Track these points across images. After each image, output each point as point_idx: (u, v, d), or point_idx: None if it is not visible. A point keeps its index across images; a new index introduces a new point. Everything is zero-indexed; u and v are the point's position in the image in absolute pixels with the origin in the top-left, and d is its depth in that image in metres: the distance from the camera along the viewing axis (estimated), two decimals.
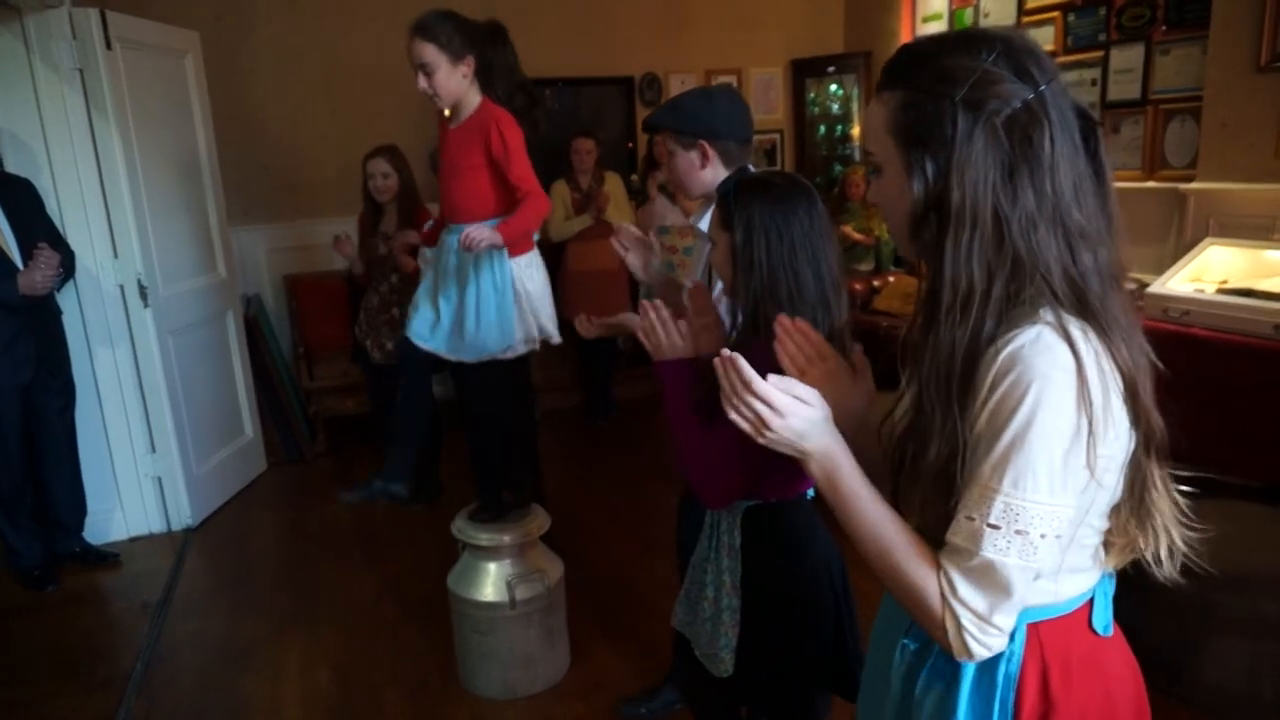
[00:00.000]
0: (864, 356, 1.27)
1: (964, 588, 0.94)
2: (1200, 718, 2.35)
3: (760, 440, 1.04)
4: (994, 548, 0.92)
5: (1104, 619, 1.07)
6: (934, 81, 0.95)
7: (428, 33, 2.41)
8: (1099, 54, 4.43)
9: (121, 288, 3.74)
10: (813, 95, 6.20)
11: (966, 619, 0.94)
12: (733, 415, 1.04)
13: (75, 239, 3.55)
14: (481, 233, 2.40)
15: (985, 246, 0.94)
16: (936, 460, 0.96)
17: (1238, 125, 3.71)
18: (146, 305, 3.76)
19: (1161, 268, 3.67)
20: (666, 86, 5.75)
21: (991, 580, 0.93)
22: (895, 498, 1.05)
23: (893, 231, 1.07)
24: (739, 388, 1.02)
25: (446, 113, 2.63)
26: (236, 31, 4.78)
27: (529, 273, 2.66)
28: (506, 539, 2.61)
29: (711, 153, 2.05)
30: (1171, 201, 4.01)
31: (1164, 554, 1.04)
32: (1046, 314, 0.92)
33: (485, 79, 2.56)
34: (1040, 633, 1.02)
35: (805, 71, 6.14)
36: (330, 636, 3.04)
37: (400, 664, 2.87)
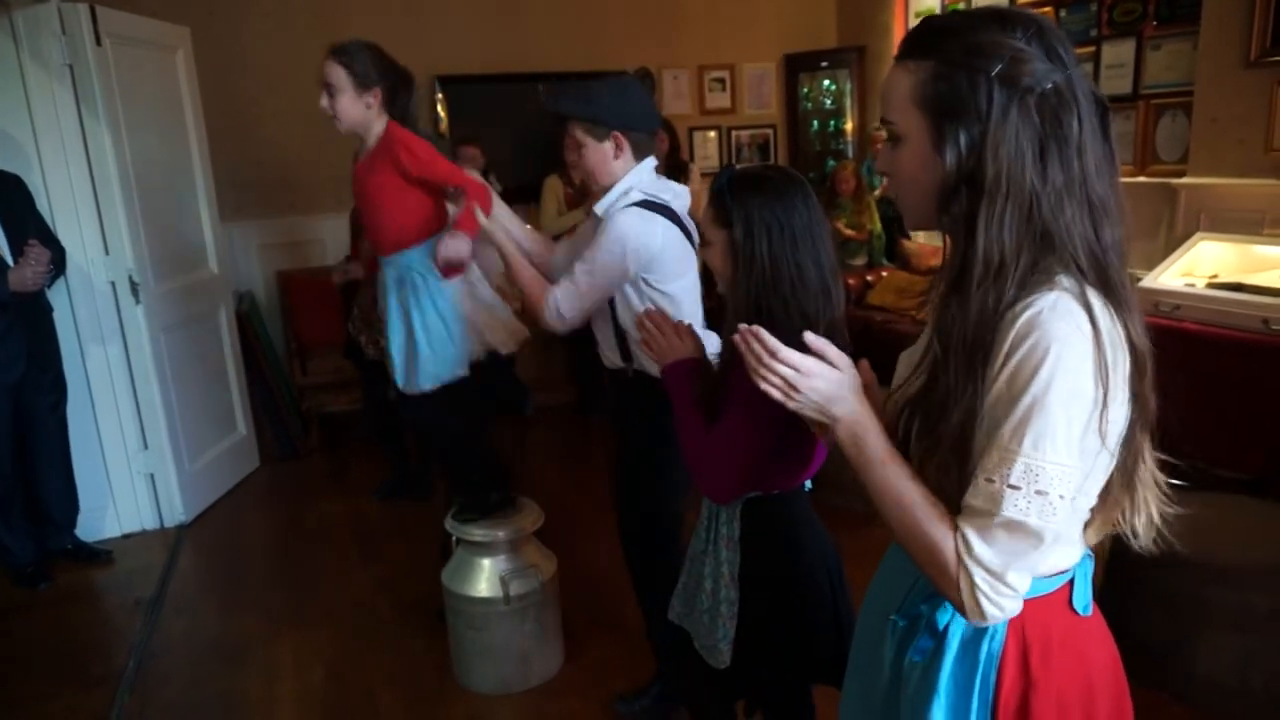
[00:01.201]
0: (870, 370, 1.23)
1: (980, 547, 0.96)
2: (1191, 711, 2.36)
3: (790, 405, 1.07)
4: (1015, 508, 0.93)
5: (1084, 599, 1.08)
6: (967, 55, 0.96)
7: (341, 56, 2.41)
8: (1090, 49, 4.44)
9: (113, 284, 3.72)
10: (806, 90, 6.21)
11: (980, 578, 0.96)
12: (761, 384, 1.07)
13: (66, 235, 3.54)
14: (453, 246, 2.32)
15: (1017, 220, 0.95)
16: (956, 427, 0.97)
17: (1228, 120, 3.72)
18: (138, 302, 3.75)
19: (1152, 262, 3.69)
20: (660, 82, 5.74)
21: (1011, 540, 0.95)
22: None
23: (906, 202, 1.07)
24: (764, 356, 1.05)
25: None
26: (229, 27, 4.76)
27: (470, 291, 2.57)
28: (500, 534, 2.61)
29: (625, 144, 2.07)
30: (1162, 196, 4.02)
31: (1141, 526, 1.06)
32: (1064, 281, 0.94)
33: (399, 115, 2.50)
34: (1022, 611, 1.02)
35: (798, 66, 6.14)
36: (325, 634, 3.04)
37: (395, 661, 2.87)
